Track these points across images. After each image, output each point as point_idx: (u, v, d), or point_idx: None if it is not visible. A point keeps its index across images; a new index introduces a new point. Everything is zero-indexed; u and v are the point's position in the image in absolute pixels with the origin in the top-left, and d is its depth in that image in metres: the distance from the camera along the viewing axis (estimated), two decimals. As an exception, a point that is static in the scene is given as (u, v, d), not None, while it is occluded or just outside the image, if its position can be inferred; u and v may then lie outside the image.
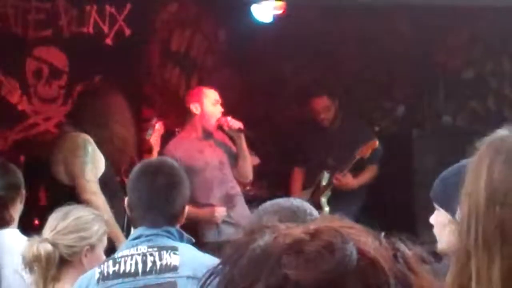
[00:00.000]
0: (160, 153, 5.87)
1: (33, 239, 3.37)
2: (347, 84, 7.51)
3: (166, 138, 6.35)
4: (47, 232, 3.40)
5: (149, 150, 5.85)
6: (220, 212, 5.99)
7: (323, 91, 7.00)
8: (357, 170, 6.76)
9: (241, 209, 6.00)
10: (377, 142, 6.66)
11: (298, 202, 2.72)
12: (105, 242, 3.49)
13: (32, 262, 3.33)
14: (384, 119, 7.76)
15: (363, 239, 1.01)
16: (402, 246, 1.04)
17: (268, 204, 2.70)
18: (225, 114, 6.11)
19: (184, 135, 6.15)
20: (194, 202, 5.93)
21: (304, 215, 2.57)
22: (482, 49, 7.40)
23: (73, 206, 3.59)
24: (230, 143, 6.23)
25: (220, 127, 6.13)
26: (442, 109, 7.62)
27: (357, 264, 0.98)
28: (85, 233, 3.42)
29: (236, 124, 6.06)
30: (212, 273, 1.04)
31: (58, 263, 3.34)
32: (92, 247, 3.43)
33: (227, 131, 6.14)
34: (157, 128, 5.87)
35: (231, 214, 6.03)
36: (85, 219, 3.46)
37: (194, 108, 6.07)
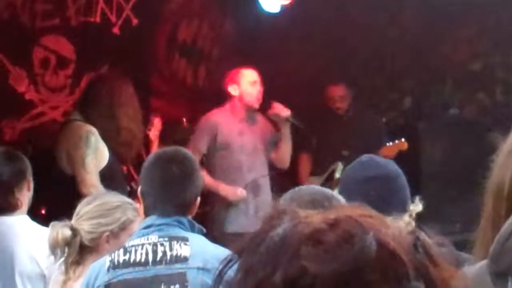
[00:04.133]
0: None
1: (56, 224, 3.39)
2: (354, 75, 7.49)
3: (173, 128, 6.36)
4: (73, 217, 3.43)
5: (149, 144, 5.88)
6: (242, 193, 6.02)
7: (335, 79, 7.00)
8: None
9: (266, 197, 6.03)
10: (406, 144, 6.55)
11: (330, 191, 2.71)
12: (131, 230, 3.43)
13: (52, 247, 3.36)
14: (391, 111, 7.75)
15: (383, 229, 1.00)
16: (422, 235, 1.02)
17: (304, 186, 2.71)
18: (264, 96, 6.11)
19: (228, 111, 6.15)
20: (224, 181, 5.99)
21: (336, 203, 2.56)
22: (489, 41, 7.38)
23: (105, 193, 3.62)
24: (271, 128, 6.25)
25: (264, 112, 6.16)
26: (449, 100, 7.61)
27: (376, 256, 0.97)
28: (104, 220, 3.41)
29: (285, 112, 6.11)
30: (230, 260, 1.03)
31: (80, 248, 3.37)
32: (114, 234, 3.42)
33: (274, 116, 6.17)
34: (156, 123, 5.89)
35: (250, 205, 6.04)
36: (108, 206, 3.46)
37: (232, 89, 6.11)
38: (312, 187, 2.78)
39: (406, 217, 2.89)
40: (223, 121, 6.09)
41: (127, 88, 5.56)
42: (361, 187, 2.88)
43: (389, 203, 2.84)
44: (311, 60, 7.76)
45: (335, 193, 2.72)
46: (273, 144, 6.25)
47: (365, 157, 3.12)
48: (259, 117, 6.30)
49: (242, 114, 6.15)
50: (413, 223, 2.91)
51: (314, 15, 7.25)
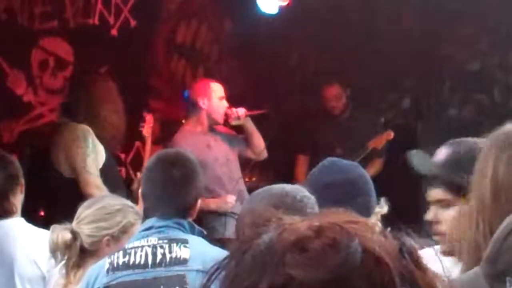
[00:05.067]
0: (157, 143, 5.90)
1: (56, 227, 3.39)
2: (353, 75, 7.50)
3: (173, 129, 6.36)
4: (74, 220, 3.42)
5: (143, 141, 5.89)
6: (231, 199, 6.01)
7: (333, 80, 7.03)
8: (365, 160, 6.76)
9: None
10: (392, 134, 6.64)
11: (289, 188, 2.69)
12: (132, 233, 3.40)
13: (52, 250, 3.35)
14: (390, 111, 7.75)
15: (368, 235, 0.99)
16: (407, 240, 1.02)
17: (260, 190, 2.70)
18: (229, 107, 6.13)
19: (190, 128, 6.14)
20: (211, 195, 5.96)
21: (292, 201, 2.55)
22: (488, 41, 7.38)
23: (106, 195, 3.61)
24: (233, 132, 6.26)
25: (225, 121, 6.15)
26: (448, 101, 7.61)
27: (361, 262, 0.96)
28: (104, 224, 3.40)
29: (241, 111, 6.11)
30: (218, 267, 1.04)
31: (80, 252, 3.36)
32: (115, 238, 3.40)
33: (235, 121, 6.16)
34: (148, 119, 5.90)
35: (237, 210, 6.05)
36: (109, 210, 3.44)
37: (202, 102, 6.07)
38: (282, 186, 2.77)
39: (372, 220, 2.85)
40: (189, 143, 5.95)
41: (105, 84, 5.56)
42: (320, 193, 2.81)
43: (351, 208, 2.81)
44: (310, 60, 7.76)
45: (304, 191, 2.70)
46: (243, 146, 6.25)
47: (327, 161, 3.09)
48: (218, 127, 6.27)
49: (205, 127, 6.12)
50: (379, 225, 2.88)
51: (313, 16, 7.26)
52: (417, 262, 1.00)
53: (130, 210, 3.50)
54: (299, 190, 2.63)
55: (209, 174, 5.85)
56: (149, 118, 5.91)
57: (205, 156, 5.94)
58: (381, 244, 0.99)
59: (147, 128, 5.86)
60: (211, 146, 6.09)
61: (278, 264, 0.97)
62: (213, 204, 5.98)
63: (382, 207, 2.95)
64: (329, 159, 3.12)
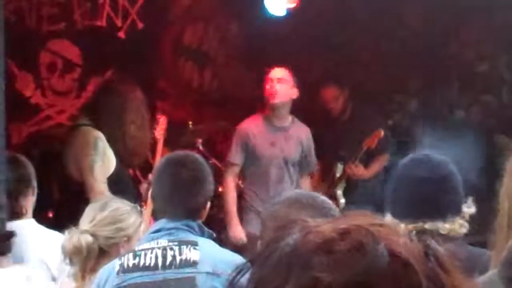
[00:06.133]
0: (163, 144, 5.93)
1: (73, 231, 3.37)
2: (360, 77, 7.49)
3: (179, 131, 6.35)
4: (85, 223, 3.41)
5: (154, 144, 5.88)
6: (241, 240, 5.93)
7: (331, 82, 7.03)
8: (368, 160, 6.75)
9: None
10: (382, 132, 6.65)
11: (311, 195, 2.68)
12: (140, 234, 3.46)
13: (72, 254, 3.34)
14: (397, 113, 7.74)
15: (394, 239, 0.99)
16: (433, 243, 1.02)
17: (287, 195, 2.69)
18: None
19: (263, 119, 6.13)
20: (250, 186, 6.02)
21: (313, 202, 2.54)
22: (496, 42, 7.37)
23: (110, 198, 3.63)
24: (307, 133, 6.29)
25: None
26: (456, 102, 7.60)
27: (388, 266, 0.96)
28: (122, 225, 3.42)
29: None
30: (242, 269, 1.03)
31: (97, 255, 3.36)
32: (129, 238, 3.43)
33: None
34: (161, 122, 5.88)
35: None
36: (122, 211, 3.47)
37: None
38: (297, 191, 2.75)
39: (460, 220, 2.79)
40: (255, 130, 6.03)
41: (136, 95, 5.52)
42: (413, 187, 2.79)
43: (443, 205, 2.77)
44: (317, 62, 7.76)
45: (316, 194, 2.68)
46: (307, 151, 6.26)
47: (420, 154, 2.97)
48: (293, 124, 6.23)
49: (272, 119, 6.09)
50: (467, 225, 2.80)
51: (320, 17, 7.26)
52: (443, 265, 1.00)
53: (137, 211, 3.56)
54: (316, 195, 2.64)
55: (260, 168, 5.90)
56: (162, 120, 5.88)
57: (264, 151, 5.99)
58: (407, 247, 0.99)
59: (160, 130, 5.84)
60: (275, 144, 6.09)
61: (304, 267, 0.97)
62: (233, 225, 5.96)
63: (470, 207, 2.89)
64: (422, 153, 2.99)
